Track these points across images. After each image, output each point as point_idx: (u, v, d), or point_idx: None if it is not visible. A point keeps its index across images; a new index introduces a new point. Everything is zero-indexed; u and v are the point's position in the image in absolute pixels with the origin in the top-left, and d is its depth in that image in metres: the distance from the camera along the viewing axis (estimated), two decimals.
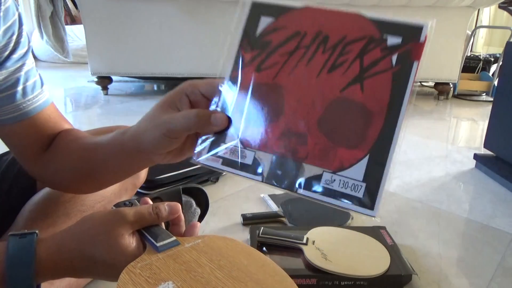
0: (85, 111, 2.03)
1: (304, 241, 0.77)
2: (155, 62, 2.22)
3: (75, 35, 3.44)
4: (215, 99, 0.43)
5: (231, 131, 0.41)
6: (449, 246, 0.87)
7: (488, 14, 4.47)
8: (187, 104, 0.44)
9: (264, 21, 0.42)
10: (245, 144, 0.41)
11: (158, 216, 0.45)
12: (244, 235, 0.87)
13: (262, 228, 0.81)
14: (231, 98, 0.43)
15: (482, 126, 1.93)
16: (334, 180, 0.37)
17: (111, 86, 2.37)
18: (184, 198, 0.84)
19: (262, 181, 0.39)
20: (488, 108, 1.39)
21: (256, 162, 0.40)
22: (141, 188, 0.95)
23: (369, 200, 0.35)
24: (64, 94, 2.44)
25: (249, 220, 0.92)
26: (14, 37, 0.51)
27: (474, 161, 1.34)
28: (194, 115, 0.42)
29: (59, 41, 2.50)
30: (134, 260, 0.40)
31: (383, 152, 0.36)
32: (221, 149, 0.42)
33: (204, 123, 0.42)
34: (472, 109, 2.27)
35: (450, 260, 0.82)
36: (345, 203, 0.36)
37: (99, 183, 0.57)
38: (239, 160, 0.41)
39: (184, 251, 0.42)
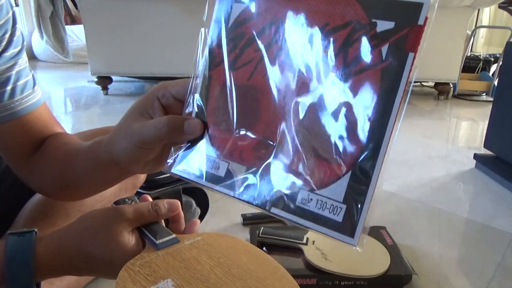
0: (85, 111, 2.03)
1: (304, 241, 0.77)
2: (155, 62, 2.22)
3: (75, 35, 3.44)
4: (189, 101, 0.38)
5: (206, 140, 0.37)
6: (449, 246, 0.87)
7: (488, 14, 4.47)
8: (159, 109, 0.40)
9: (237, 9, 0.35)
10: (218, 154, 0.36)
11: (157, 213, 0.45)
12: (244, 235, 0.87)
13: (262, 228, 0.81)
14: (205, 101, 0.38)
15: (482, 126, 1.93)
16: (311, 199, 0.31)
17: (111, 86, 2.37)
18: (184, 198, 0.84)
19: (234, 197, 0.35)
20: (488, 108, 1.39)
21: (229, 175, 0.35)
22: (141, 188, 0.95)
23: (350, 225, 0.30)
24: (64, 94, 2.44)
25: (249, 220, 0.92)
26: (7, 35, 0.50)
27: (474, 161, 1.34)
28: (164, 124, 0.37)
29: (59, 41, 2.50)
30: (133, 257, 0.40)
31: (368, 169, 0.29)
32: (193, 159, 0.37)
33: (176, 132, 0.38)
34: (472, 109, 2.27)
35: (450, 260, 0.82)
36: (322, 228, 0.31)
37: (80, 193, 0.55)
38: (212, 172, 0.36)
39: (183, 248, 0.42)
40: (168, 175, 1.14)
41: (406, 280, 0.72)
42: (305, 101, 0.32)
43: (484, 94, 2.57)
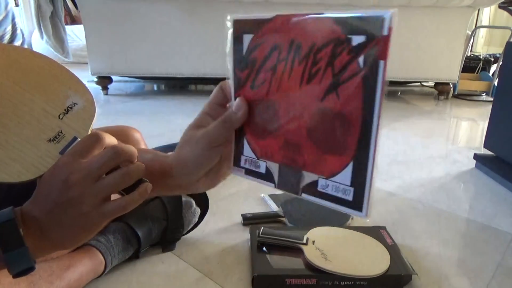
0: None
1: (304, 241, 0.77)
2: (155, 62, 2.22)
3: (75, 35, 3.44)
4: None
5: (245, 144, 0.47)
6: (449, 246, 0.87)
7: (488, 14, 4.47)
8: (212, 121, 0.47)
9: (247, 39, 0.43)
10: (257, 155, 0.46)
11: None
12: (244, 235, 0.87)
13: (262, 228, 0.81)
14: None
15: (482, 126, 1.93)
16: (328, 185, 0.39)
17: (111, 86, 2.37)
18: (184, 198, 0.84)
19: (275, 187, 0.44)
20: (488, 108, 1.39)
21: (268, 171, 0.45)
22: None
23: (358, 202, 0.37)
24: None
25: (249, 220, 0.92)
26: (9, 28, 0.52)
27: (474, 161, 1.34)
28: (222, 119, 0.45)
29: (59, 41, 2.50)
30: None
31: (364, 158, 0.36)
32: (241, 161, 0.47)
33: (231, 116, 0.45)
34: (472, 109, 2.27)
35: (450, 260, 0.82)
36: (339, 206, 0.39)
37: None
38: (255, 169, 0.46)
39: None
40: None
41: (406, 280, 0.72)
42: (312, 107, 0.39)
43: (484, 94, 2.57)
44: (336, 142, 0.38)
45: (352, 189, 0.37)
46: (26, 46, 0.56)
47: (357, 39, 0.34)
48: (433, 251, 0.85)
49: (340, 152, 0.38)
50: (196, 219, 0.87)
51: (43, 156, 0.44)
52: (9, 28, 0.52)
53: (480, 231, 0.94)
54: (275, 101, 0.42)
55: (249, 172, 0.46)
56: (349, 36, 0.35)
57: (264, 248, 0.77)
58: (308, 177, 0.41)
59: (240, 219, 0.93)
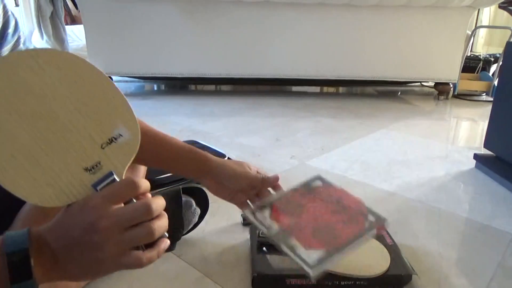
0: None
1: None
2: (155, 62, 2.22)
3: (75, 35, 3.43)
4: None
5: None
6: (449, 246, 0.87)
7: (488, 14, 4.47)
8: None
9: (266, 211, 0.69)
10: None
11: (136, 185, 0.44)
12: (244, 235, 0.87)
13: None
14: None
15: (482, 126, 1.93)
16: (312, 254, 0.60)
17: None
18: (184, 198, 0.84)
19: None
20: (488, 108, 1.39)
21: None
22: None
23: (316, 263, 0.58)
24: None
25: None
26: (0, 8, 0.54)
27: (474, 161, 1.34)
28: (261, 176, 0.72)
29: (59, 41, 2.50)
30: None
31: (322, 256, 0.59)
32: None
33: (265, 180, 0.72)
34: (472, 109, 2.27)
35: (450, 260, 0.82)
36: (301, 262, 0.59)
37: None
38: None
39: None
40: (168, 174, 1.14)
41: (406, 280, 0.72)
42: (323, 220, 0.67)
43: (484, 94, 2.57)
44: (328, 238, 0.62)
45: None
46: (26, 44, 0.56)
47: (371, 217, 0.66)
48: (433, 251, 0.85)
49: (324, 243, 0.61)
50: (196, 219, 0.87)
51: (75, 184, 0.43)
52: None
53: (480, 231, 0.94)
54: (305, 207, 0.68)
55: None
56: (368, 214, 0.66)
57: (264, 248, 0.77)
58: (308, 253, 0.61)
59: (240, 219, 0.93)
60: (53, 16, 2.46)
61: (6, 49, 0.55)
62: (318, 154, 1.43)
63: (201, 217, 0.88)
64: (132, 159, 0.45)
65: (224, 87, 2.69)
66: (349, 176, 1.24)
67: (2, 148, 0.40)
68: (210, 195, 0.90)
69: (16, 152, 0.41)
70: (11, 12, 0.55)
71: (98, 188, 0.43)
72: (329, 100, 2.37)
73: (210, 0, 2.10)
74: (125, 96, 0.47)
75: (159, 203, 0.43)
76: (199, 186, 0.92)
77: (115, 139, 0.44)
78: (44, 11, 2.42)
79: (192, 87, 2.70)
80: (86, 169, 0.43)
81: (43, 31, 2.45)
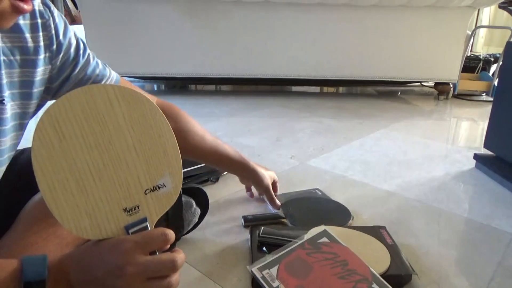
0: None
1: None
2: (155, 62, 2.22)
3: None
4: None
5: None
6: (449, 246, 0.87)
7: (488, 14, 4.47)
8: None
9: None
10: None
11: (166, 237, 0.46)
12: (244, 235, 0.88)
13: (263, 227, 0.81)
14: None
15: (482, 126, 1.93)
16: None
17: None
18: (184, 198, 0.84)
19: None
20: (488, 108, 1.39)
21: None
22: None
23: None
24: None
25: (250, 222, 0.92)
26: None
27: (474, 161, 1.34)
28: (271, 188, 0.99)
29: None
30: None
31: None
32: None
33: (272, 199, 0.98)
34: (472, 109, 2.27)
35: (450, 259, 0.82)
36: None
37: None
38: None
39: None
40: None
41: (406, 279, 0.72)
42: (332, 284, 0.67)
43: (484, 94, 2.57)
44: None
45: None
46: (82, 51, 0.62)
47: (375, 286, 0.65)
48: (433, 250, 0.85)
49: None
50: (196, 219, 0.87)
51: (110, 221, 0.44)
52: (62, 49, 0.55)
53: (480, 231, 0.94)
54: (314, 269, 0.70)
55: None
56: (373, 283, 0.66)
57: (264, 248, 0.77)
58: None
59: (240, 219, 0.93)
60: None
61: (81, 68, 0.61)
62: (318, 154, 1.43)
63: (201, 217, 0.88)
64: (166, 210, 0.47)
65: (224, 87, 2.69)
66: (349, 176, 1.24)
67: (60, 169, 0.41)
68: (210, 196, 0.90)
69: (69, 175, 0.42)
70: (70, 41, 0.61)
71: (130, 231, 0.44)
72: (329, 100, 2.37)
73: (210, 0, 2.10)
74: (177, 143, 0.48)
75: (182, 259, 0.45)
76: (199, 186, 0.92)
77: (159, 188, 0.46)
78: None
79: (192, 87, 2.70)
80: (125, 210, 0.44)
81: None
